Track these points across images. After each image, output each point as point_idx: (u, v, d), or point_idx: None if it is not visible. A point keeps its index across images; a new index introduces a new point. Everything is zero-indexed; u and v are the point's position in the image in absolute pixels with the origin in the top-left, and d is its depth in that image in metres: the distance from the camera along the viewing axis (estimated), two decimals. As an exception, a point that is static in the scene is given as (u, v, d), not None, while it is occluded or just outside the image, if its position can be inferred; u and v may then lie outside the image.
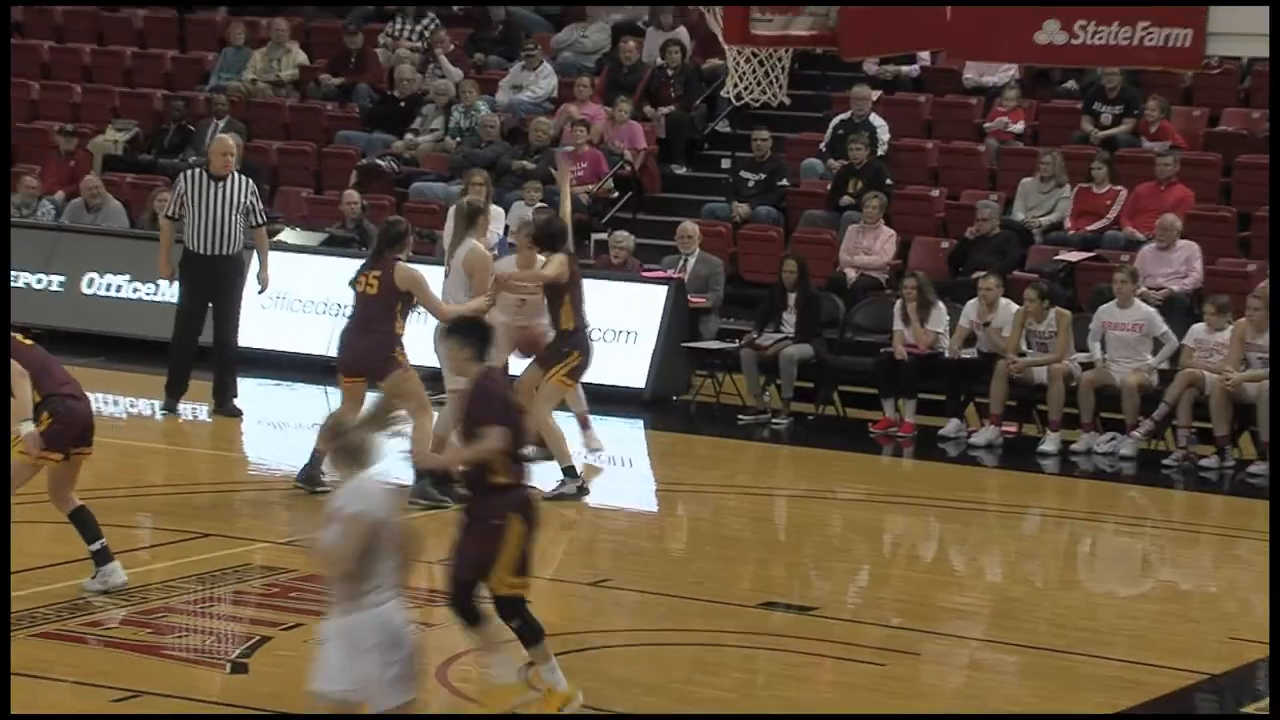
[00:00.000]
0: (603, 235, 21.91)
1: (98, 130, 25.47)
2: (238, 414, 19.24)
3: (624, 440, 19.18)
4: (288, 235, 22.47)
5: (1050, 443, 18.80)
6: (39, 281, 22.89)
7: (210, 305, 19.01)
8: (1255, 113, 22.28)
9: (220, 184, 18.81)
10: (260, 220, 19.15)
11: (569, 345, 16.06)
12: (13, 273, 22.79)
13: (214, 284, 18.92)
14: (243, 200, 18.81)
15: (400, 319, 15.43)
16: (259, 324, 21.50)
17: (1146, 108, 22.01)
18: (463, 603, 10.57)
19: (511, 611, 10.63)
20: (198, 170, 19.15)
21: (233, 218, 18.76)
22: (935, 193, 22.28)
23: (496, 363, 13.40)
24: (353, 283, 15.60)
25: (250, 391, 19.87)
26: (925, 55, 23.14)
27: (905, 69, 23.83)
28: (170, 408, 19.16)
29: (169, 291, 20.30)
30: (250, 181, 19.26)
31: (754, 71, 12.35)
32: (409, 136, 24.41)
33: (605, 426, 18.67)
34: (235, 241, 18.79)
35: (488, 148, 23.45)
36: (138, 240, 22.30)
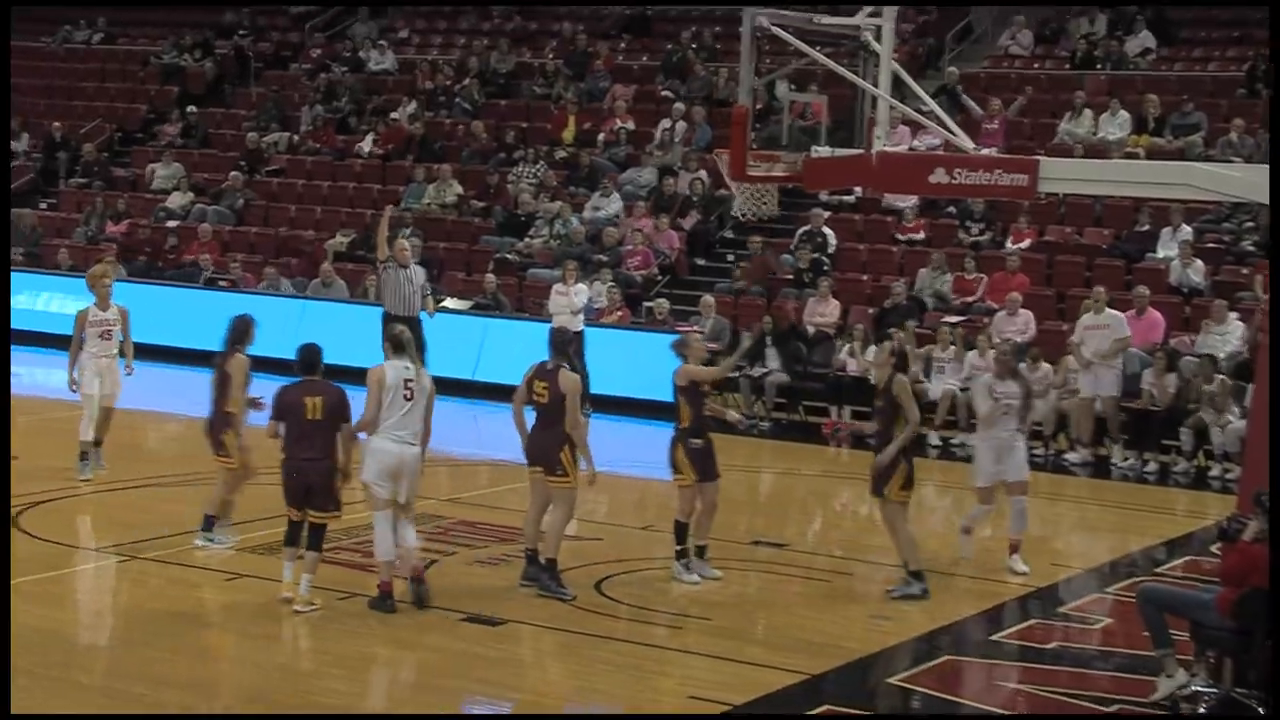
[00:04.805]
0: (651, 304, 21.85)
1: (330, 235, 25.49)
2: None
3: (664, 436, 19.09)
4: (449, 302, 22.42)
5: (934, 438, 18.69)
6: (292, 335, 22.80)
7: None
8: (1068, 228, 22.13)
9: (404, 270, 18.80)
10: (428, 292, 18.97)
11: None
12: (278, 325, 22.81)
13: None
14: (417, 280, 18.82)
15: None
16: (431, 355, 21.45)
17: (1019, 221, 21.86)
18: None
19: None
20: (391, 263, 19.10)
21: (412, 291, 18.76)
22: (864, 277, 22.14)
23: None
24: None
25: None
26: (859, 189, 23.03)
27: (846, 197, 23.72)
28: None
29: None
30: (422, 269, 19.22)
31: (749, 198, 12.30)
32: (527, 239, 24.37)
33: (654, 429, 18.55)
34: (415, 306, 18.75)
35: (577, 247, 23.40)
36: (353, 305, 22.13)
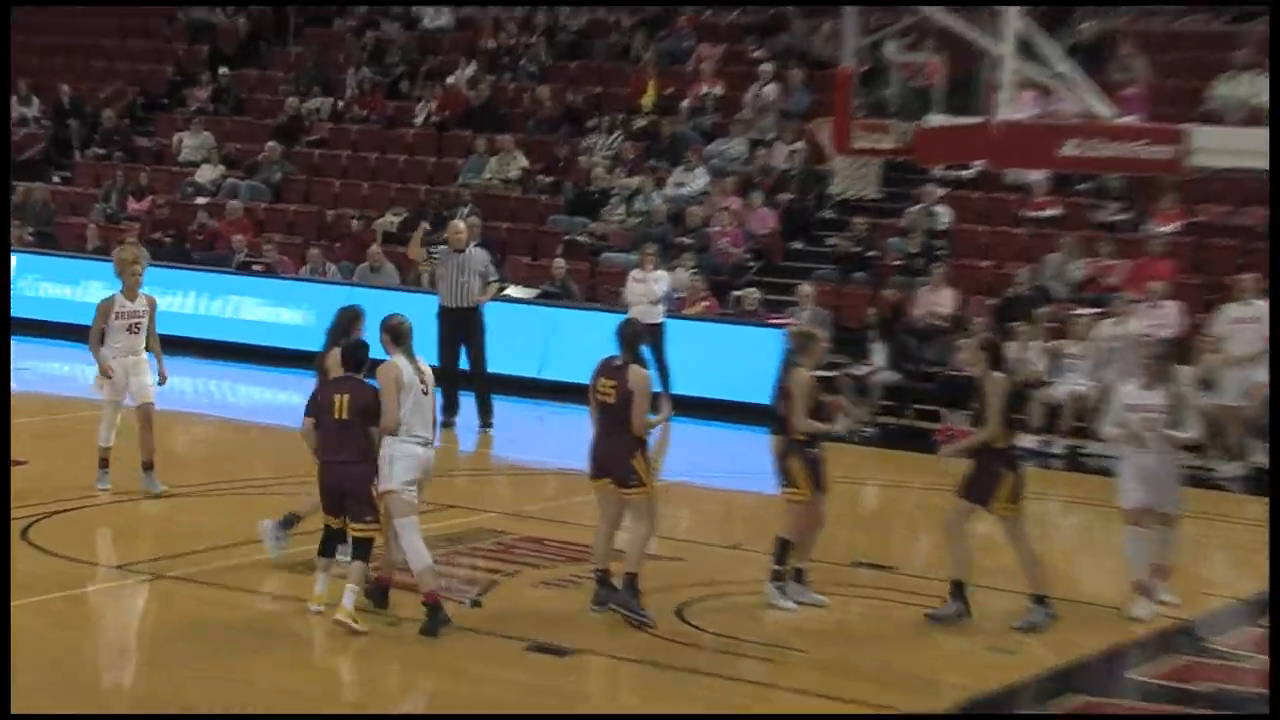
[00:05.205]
0: (740, 293, 21.88)
1: (379, 214, 25.71)
2: (488, 426, 19.04)
3: (752, 442, 19.13)
4: (512, 290, 22.49)
5: (1059, 445, 18.58)
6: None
7: (464, 347, 18.90)
8: (1221, 208, 21.93)
9: (459, 255, 18.84)
10: (491, 278, 19.01)
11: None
12: (323, 314, 22.91)
13: (462, 329, 18.85)
14: (474, 266, 18.81)
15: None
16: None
17: (1164, 200, 21.70)
18: None
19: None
20: (444, 248, 19.18)
21: (470, 280, 18.76)
22: (984, 263, 22.06)
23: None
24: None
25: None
26: (978, 162, 22.87)
27: (963, 172, 23.61)
28: (448, 423, 18.48)
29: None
30: (484, 252, 19.25)
31: (850, 173, 12.33)
32: (600, 219, 24.46)
33: (741, 434, 18.59)
34: (471, 295, 18.73)
35: (656, 228, 23.47)
36: (406, 293, 22.02)
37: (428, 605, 10.91)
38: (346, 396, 10.91)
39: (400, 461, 10.91)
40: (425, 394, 11.01)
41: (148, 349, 14.71)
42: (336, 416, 10.89)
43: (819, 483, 12.02)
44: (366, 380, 11.08)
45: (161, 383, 14.79)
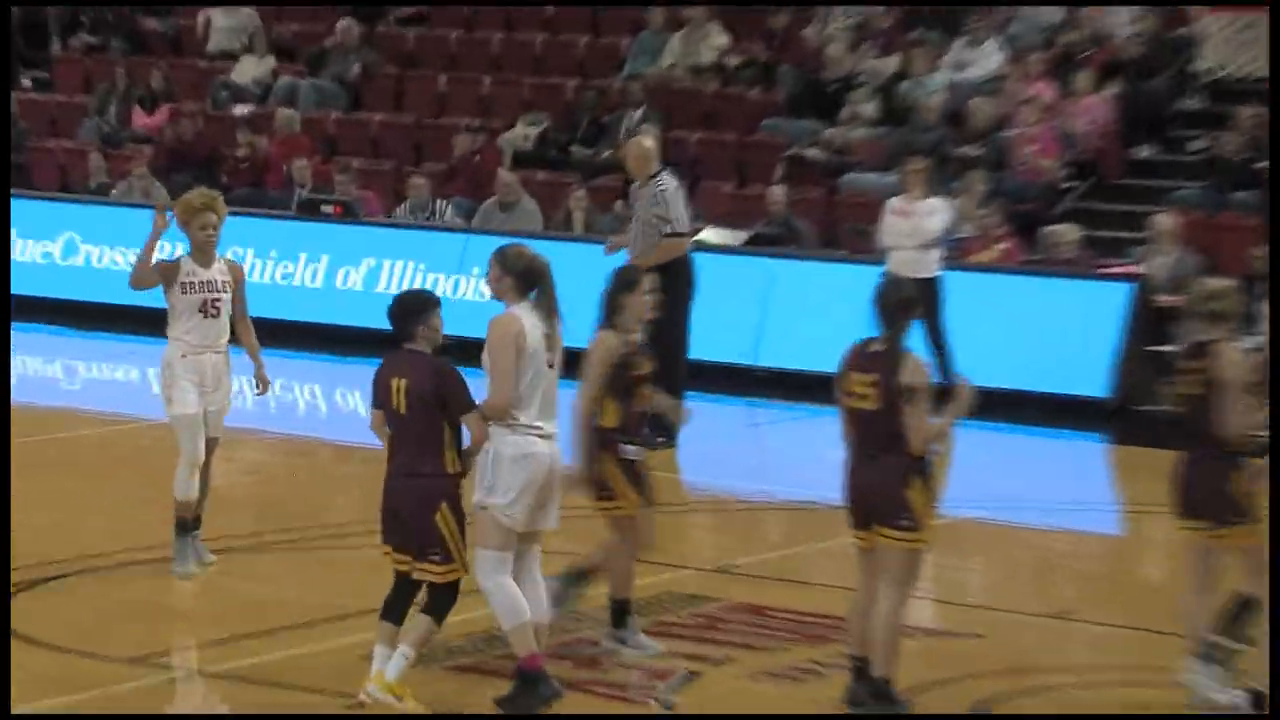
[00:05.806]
0: (1054, 228, 21.75)
1: (508, 124, 25.86)
2: (655, 446, 18.79)
3: (1083, 454, 18.99)
4: (708, 234, 22.46)
5: None
6: (454, 287, 23.24)
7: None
8: None
9: (639, 188, 18.66)
10: (668, 229, 18.36)
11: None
12: (430, 274, 23.15)
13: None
14: (647, 202, 18.44)
15: None
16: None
17: None
18: None
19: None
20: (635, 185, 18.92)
21: (638, 221, 18.56)
22: None
23: None
24: None
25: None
26: None
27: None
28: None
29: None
30: (665, 181, 18.64)
31: (1232, 39, 12.18)
32: (840, 124, 24.45)
33: (1067, 441, 18.50)
34: (646, 244, 18.50)
35: (926, 133, 23.38)
36: (552, 241, 21.85)
37: (522, 673, 11.04)
38: (404, 381, 11.03)
39: (508, 464, 11.07)
40: (551, 366, 11.14)
41: (233, 341, 14.27)
42: (395, 408, 11.07)
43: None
44: (433, 356, 11.15)
45: (261, 391, 14.64)
